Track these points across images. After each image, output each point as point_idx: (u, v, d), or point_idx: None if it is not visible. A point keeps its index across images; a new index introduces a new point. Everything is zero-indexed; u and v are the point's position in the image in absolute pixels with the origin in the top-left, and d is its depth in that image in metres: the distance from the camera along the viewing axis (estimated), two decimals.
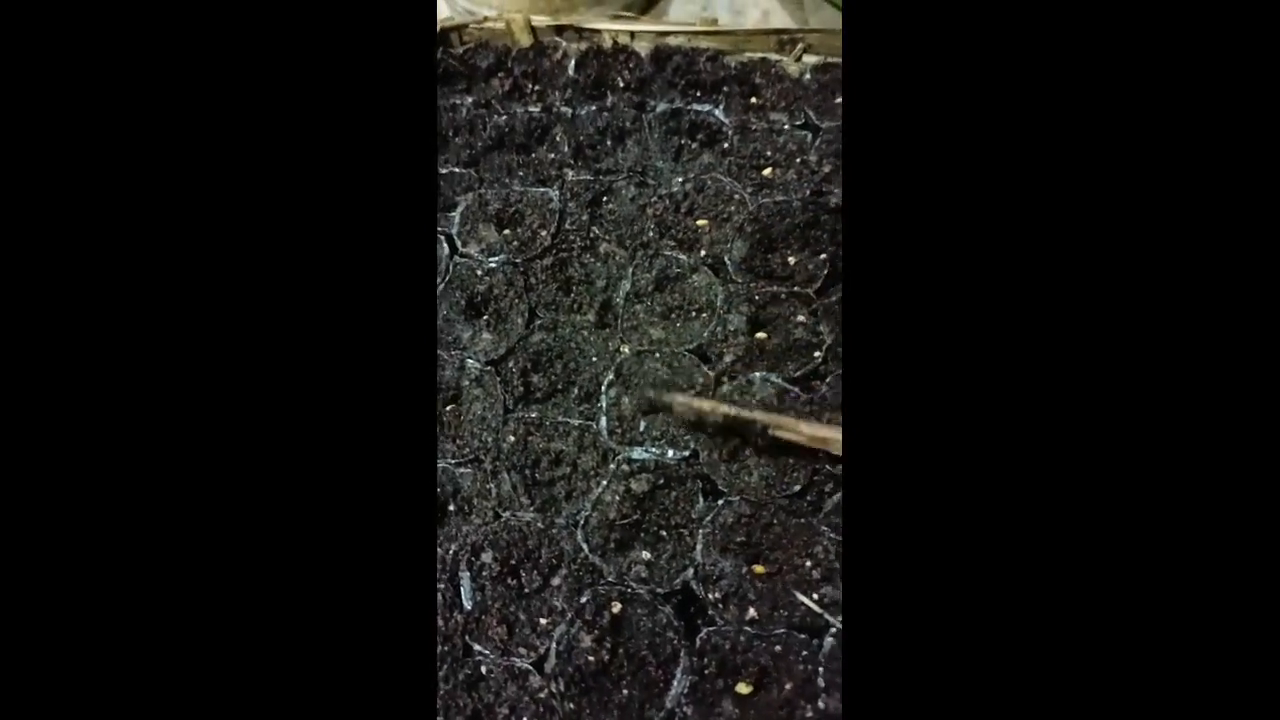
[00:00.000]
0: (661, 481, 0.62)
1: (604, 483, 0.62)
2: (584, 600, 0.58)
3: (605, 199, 0.79)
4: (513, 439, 0.65)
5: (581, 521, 0.61)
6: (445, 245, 0.77)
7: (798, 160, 0.80)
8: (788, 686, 0.54)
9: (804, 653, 0.55)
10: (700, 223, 0.77)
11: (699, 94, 0.86)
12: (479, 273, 0.74)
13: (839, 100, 0.84)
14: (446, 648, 0.57)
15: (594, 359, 0.69)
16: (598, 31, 0.93)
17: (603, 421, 0.65)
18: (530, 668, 0.56)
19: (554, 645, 0.56)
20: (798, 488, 0.61)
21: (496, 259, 0.75)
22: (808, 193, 0.77)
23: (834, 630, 0.55)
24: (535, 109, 0.87)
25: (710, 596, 0.57)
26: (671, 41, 0.91)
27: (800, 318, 0.70)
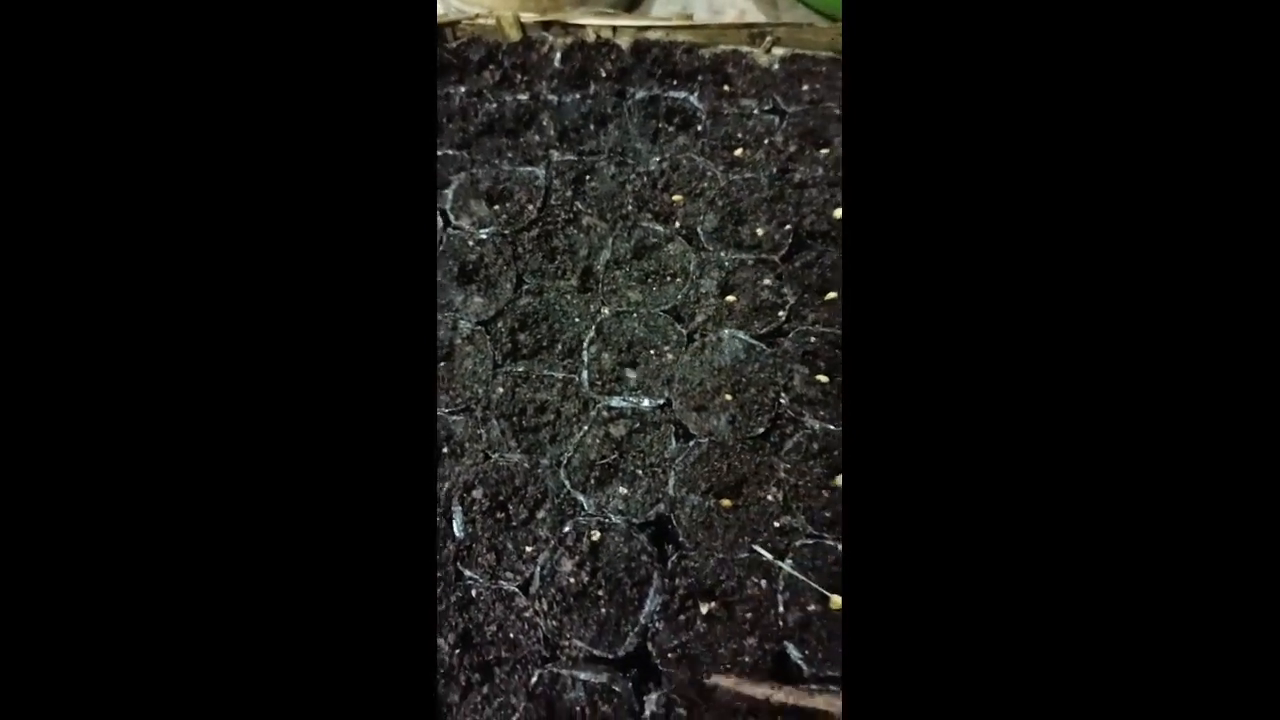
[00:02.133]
0: (638, 426, 0.68)
1: (585, 428, 0.68)
2: (566, 530, 0.63)
3: (588, 177, 0.85)
4: (501, 390, 0.71)
5: (564, 461, 0.67)
6: (440, 219, 0.83)
7: (765, 141, 0.87)
8: (750, 605, 0.60)
9: (764, 576, 0.60)
10: (675, 198, 0.83)
11: (675, 82, 0.93)
12: (470, 243, 0.80)
13: (805, 87, 0.91)
14: (440, 574, 0.63)
15: (576, 319, 0.75)
16: (582, 27, 0.99)
17: (584, 374, 0.71)
18: (517, 590, 0.61)
19: (538, 569, 0.62)
20: (761, 430, 0.67)
21: (487, 231, 0.81)
22: (774, 170, 0.84)
23: (789, 560, 0.61)
24: (524, 97, 0.94)
25: (681, 526, 0.63)
26: (650, 35, 0.98)
27: (766, 281, 0.76)
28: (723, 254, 0.78)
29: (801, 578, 0.60)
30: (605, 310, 0.75)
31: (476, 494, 0.65)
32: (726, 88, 0.92)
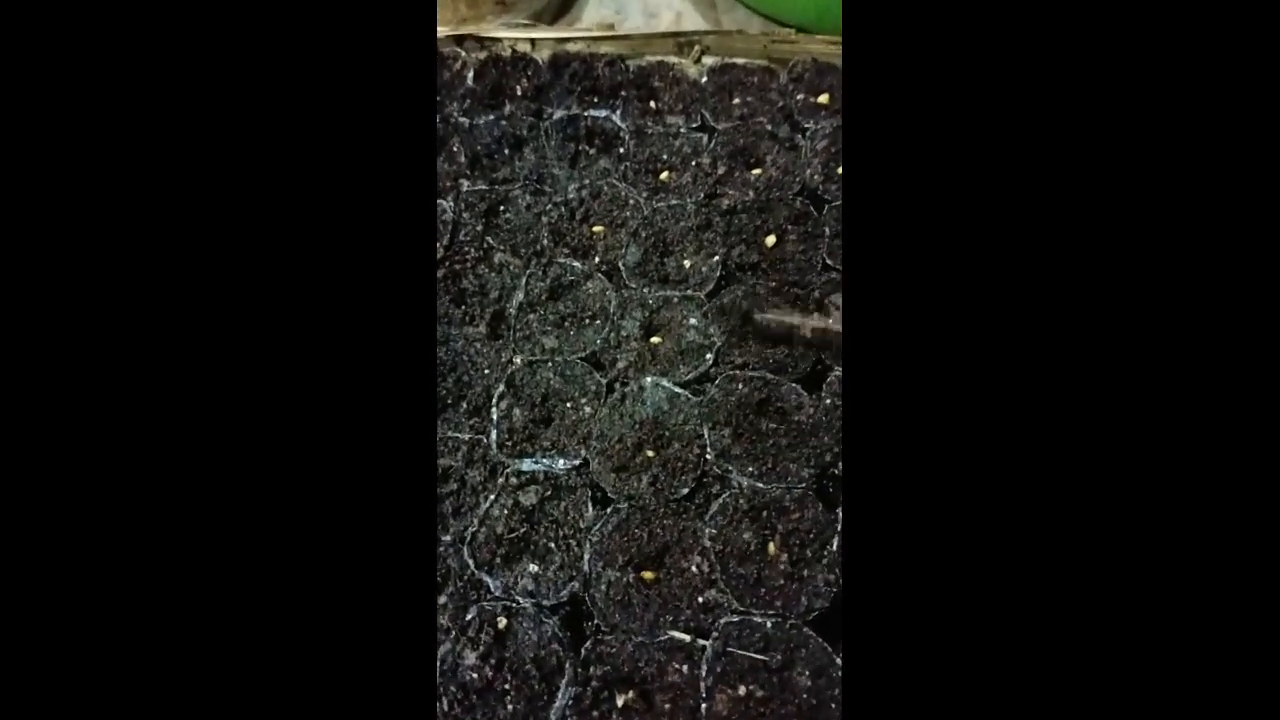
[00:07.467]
0: (550, 492, 0.62)
1: (492, 497, 0.62)
2: (469, 617, 0.57)
3: (501, 208, 0.78)
4: None
5: (468, 538, 0.60)
6: None
7: (693, 163, 0.80)
8: (671, 694, 0.54)
9: (686, 662, 0.55)
10: (596, 229, 0.76)
11: (596, 100, 0.86)
12: None
13: (735, 100, 0.84)
14: None
15: (486, 371, 0.69)
16: (498, 40, 0.92)
17: (493, 435, 0.65)
18: None
19: (438, 665, 0.55)
20: (685, 491, 0.61)
21: None
22: (702, 196, 0.78)
23: (714, 639, 0.55)
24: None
25: (597, 606, 0.57)
26: (571, 48, 0.91)
27: (692, 321, 0.70)
28: (646, 291, 0.72)
29: (742, 652, 0.54)
30: (517, 359, 0.69)
31: None
32: (652, 104, 0.86)
